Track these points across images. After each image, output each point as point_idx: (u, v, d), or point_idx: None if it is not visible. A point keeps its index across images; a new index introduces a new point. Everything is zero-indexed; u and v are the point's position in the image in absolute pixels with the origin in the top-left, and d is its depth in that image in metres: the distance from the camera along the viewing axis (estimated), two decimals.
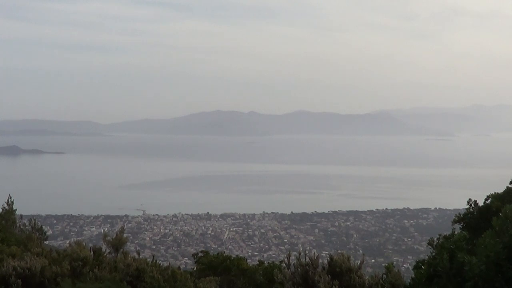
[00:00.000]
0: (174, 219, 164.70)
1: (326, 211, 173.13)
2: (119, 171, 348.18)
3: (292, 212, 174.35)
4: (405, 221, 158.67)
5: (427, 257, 15.36)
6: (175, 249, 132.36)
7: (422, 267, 14.33)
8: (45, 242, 27.20)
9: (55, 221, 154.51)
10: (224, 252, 30.75)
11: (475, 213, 17.67)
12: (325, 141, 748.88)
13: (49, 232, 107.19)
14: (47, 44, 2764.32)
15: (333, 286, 14.83)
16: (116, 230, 23.66)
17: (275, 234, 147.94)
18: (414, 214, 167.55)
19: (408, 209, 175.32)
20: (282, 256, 27.83)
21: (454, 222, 17.87)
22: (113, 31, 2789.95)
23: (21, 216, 28.25)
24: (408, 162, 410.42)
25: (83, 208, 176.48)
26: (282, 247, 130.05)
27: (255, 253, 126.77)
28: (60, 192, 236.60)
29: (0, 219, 27.24)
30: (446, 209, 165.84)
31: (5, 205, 28.06)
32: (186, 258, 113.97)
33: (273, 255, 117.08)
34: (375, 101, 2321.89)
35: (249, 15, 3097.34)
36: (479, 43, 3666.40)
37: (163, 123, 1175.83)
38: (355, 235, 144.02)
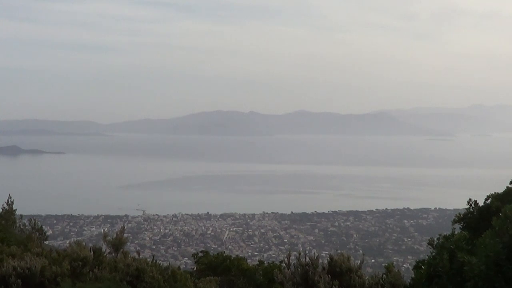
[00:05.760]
0: (174, 219, 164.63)
1: (326, 211, 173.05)
2: (119, 171, 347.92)
3: (292, 212, 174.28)
4: (405, 221, 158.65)
5: (427, 257, 15.36)
6: (175, 249, 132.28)
7: (422, 267, 14.35)
8: (45, 242, 27.15)
9: (55, 221, 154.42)
10: (224, 252, 30.73)
11: (475, 213, 17.67)
12: (325, 141, 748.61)
13: (49, 232, 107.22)
14: (47, 44, 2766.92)
15: (333, 286, 14.83)
16: (116, 230, 23.62)
17: (275, 234, 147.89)
18: (414, 214, 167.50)
19: (408, 209, 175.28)
20: (282, 256, 27.80)
21: (454, 222, 17.87)
22: (113, 31, 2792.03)
23: (21, 216, 28.19)
24: (408, 162, 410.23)
25: (83, 208, 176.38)
26: (282, 247, 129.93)
27: (255, 253, 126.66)
28: (60, 192, 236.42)
29: (0, 219, 27.22)
30: (446, 209, 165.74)
31: (5, 205, 28.01)
32: (186, 258, 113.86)
33: (273, 255, 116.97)
34: (375, 101, 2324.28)
35: (249, 15, 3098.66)
36: (479, 43, 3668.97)
37: (163, 123, 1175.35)
38: (355, 235, 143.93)
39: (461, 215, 17.98)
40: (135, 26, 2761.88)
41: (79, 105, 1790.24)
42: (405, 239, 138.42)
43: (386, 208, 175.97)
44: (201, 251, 31.62)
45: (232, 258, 27.71)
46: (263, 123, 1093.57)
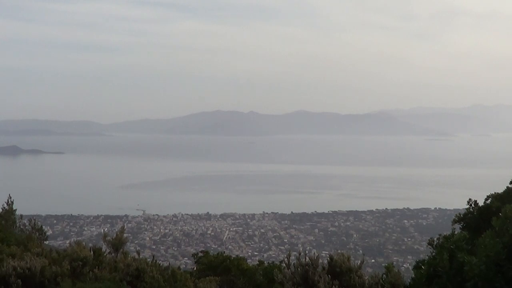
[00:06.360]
0: (174, 219, 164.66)
1: (326, 211, 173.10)
2: (119, 171, 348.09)
3: (292, 212, 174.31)
4: (405, 221, 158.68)
5: (427, 257, 15.36)
6: (175, 249, 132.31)
7: (422, 267, 14.34)
8: (45, 242, 27.17)
9: (55, 221, 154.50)
10: (224, 252, 30.75)
11: (475, 213, 17.68)
12: (325, 141, 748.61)
13: (49, 232, 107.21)
14: (47, 44, 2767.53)
15: (333, 286, 14.81)
16: (116, 230, 23.64)
17: (275, 234, 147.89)
18: (414, 214, 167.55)
19: (408, 209, 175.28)
20: (282, 256, 27.83)
21: (454, 222, 17.88)
22: (113, 31, 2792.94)
23: (21, 216, 28.23)
24: (408, 162, 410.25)
25: (83, 208, 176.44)
26: (282, 247, 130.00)
27: (255, 253, 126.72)
28: (60, 192, 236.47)
29: (0, 219, 27.23)
30: (446, 209, 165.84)
31: (5, 205, 28.04)
32: (186, 258, 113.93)
33: (273, 255, 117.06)
34: (375, 101, 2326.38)
35: (250, 15, 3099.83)
36: (479, 43, 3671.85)
37: (163, 123, 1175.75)
38: (355, 235, 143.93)
39: (461, 215, 18.00)
40: (135, 26, 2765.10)
41: (79, 105, 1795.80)
42: (405, 239, 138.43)
43: (386, 208, 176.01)
44: (201, 251, 31.67)
45: (232, 258, 27.73)
46: (263, 123, 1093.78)
